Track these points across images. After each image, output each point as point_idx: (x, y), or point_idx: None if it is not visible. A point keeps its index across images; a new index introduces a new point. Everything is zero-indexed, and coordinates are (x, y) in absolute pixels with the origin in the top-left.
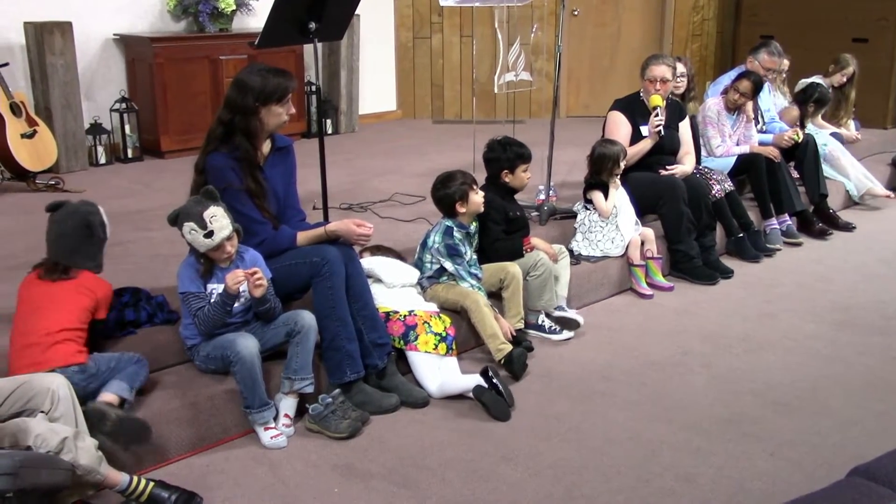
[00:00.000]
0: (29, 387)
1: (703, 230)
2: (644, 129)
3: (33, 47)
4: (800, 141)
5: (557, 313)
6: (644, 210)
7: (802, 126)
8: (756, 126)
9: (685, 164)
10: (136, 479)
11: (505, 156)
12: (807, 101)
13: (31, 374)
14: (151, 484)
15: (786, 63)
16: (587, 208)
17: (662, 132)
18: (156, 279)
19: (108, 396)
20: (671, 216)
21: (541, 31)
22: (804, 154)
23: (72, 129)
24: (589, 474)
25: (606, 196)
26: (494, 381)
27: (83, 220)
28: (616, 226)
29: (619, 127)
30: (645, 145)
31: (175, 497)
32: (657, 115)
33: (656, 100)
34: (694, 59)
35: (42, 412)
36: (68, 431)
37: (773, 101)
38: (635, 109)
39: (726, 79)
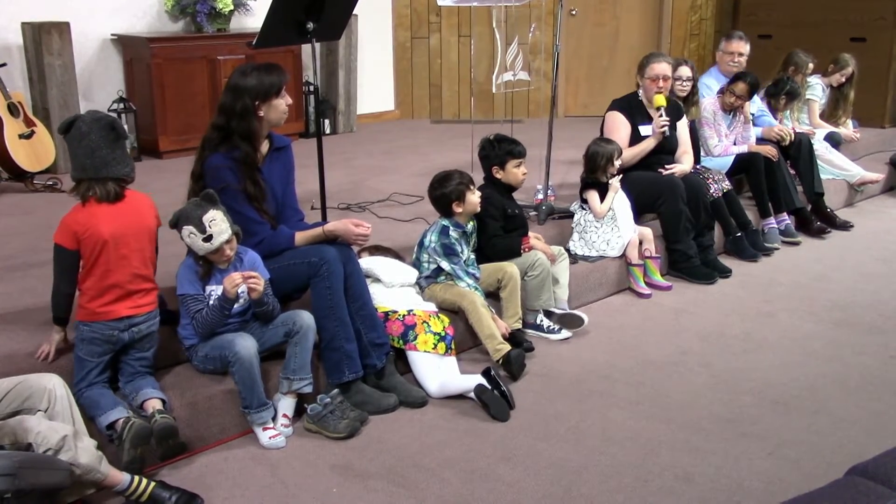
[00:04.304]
0: (26, 385)
1: (701, 230)
2: (643, 129)
3: (31, 47)
4: (789, 138)
5: (561, 311)
6: (643, 209)
7: (774, 117)
8: None
9: (683, 164)
10: (136, 478)
11: (494, 152)
12: (777, 94)
13: (27, 374)
14: (152, 484)
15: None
16: (583, 208)
17: (668, 132)
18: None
19: (154, 402)
20: (670, 215)
21: (538, 30)
22: (798, 153)
23: None
24: (588, 474)
25: (603, 196)
26: (498, 381)
27: (108, 125)
28: (612, 227)
29: (620, 127)
30: (648, 144)
31: (176, 497)
32: (662, 115)
33: (660, 99)
34: (692, 59)
35: (39, 411)
36: (68, 430)
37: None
38: (634, 109)
39: (707, 77)
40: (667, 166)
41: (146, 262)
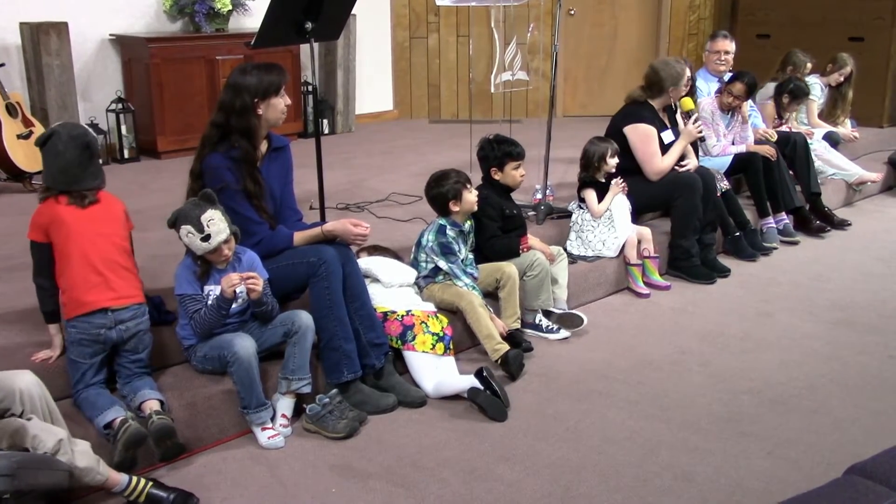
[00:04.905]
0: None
1: (704, 227)
2: (664, 136)
3: (29, 48)
4: (772, 139)
5: (560, 311)
6: (657, 206)
7: (780, 117)
8: None
9: (693, 159)
10: (135, 479)
11: (493, 153)
12: (780, 94)
13: (0, 373)
14: (150, 483)
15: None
16: (581, 207)
17: (705, 137)
18: (153, 280)
19: (152, 403)
20: (685, 209)
21: (537, 30)
22: (794, 152)
23: None
24: (587, 473)
25: (601, 195)
26: (490, 381)
27: (83, 143)
28: (609, 227)
29: (653, 138)
30: (681, 148)
31: (172, 497)
32: (697, 120)
33: (689, 102)
34: (690, 59)
35: (14, 414)
36: (62, 433)
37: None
38: (655, 118)
39: (698, 79)
40: (681, 163)
41: (120, 249)
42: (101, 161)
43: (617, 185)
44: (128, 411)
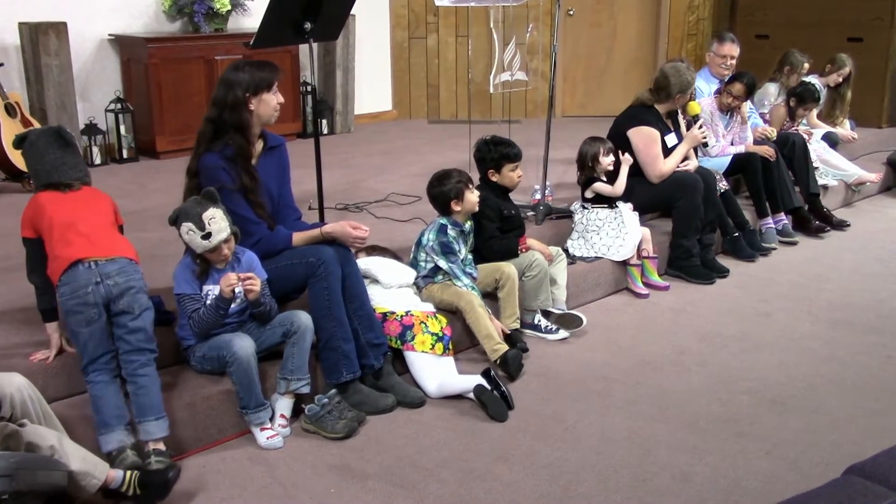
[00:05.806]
0: None
1: (704, 227)
2: (667, 139)
3: (28, 48)
4: (772, 138)
5: (559, 311)
6: (659, 206)
7: (792, 120)
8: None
9: (693, 160)
10: (128, 473)
11: (490, 155)
12: (787, 98)
13: None
14: (137, 474)
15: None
16: (585, 208)
17: (708, 142)
18: (151, 280)
19: (159, 444)
20: (687, 209)
21: (536, 31)
22: (793, 152)
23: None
24: (585, 474)
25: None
26: (498, 381)
27: (54, 133)
28: (617, 233)
29: (657, 141)
30: (683, 151)
31: (155, 481)
32: (701, 125)
33: (696, 107)
34: (689, 59)
35: (3, 417)
36: (54, 438)
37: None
38: (659, 121)
39: (697, 79)
40: (679, 164)
41: (107, 220)
42: (81, 157)
43: (626, 161)
44: (129, 436)
